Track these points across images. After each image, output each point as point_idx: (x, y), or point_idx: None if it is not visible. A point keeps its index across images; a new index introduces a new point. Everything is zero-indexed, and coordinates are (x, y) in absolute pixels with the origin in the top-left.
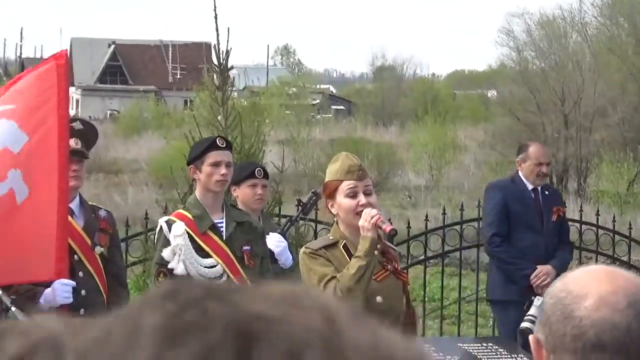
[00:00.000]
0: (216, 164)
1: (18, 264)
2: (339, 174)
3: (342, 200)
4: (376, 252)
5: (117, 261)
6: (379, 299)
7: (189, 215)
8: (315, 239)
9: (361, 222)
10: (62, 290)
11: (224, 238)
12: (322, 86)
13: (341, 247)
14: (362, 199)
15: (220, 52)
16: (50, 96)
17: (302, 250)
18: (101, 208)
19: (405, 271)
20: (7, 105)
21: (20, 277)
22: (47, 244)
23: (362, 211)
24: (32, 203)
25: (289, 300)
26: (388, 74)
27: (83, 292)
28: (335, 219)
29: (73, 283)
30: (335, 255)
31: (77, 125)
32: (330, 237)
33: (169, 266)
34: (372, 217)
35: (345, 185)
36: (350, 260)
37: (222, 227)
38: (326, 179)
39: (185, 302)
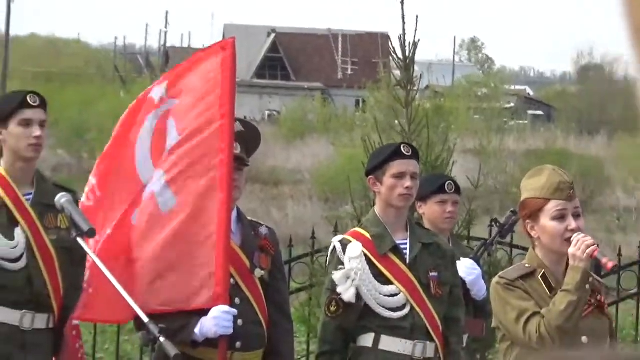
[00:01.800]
0: (400, 175)
1: (172, 287)
2: (544, 192)
3: (547, 223)
4: (587, 287)
5: (279, 287)
6: (584, 339)
7: (367, 235)
8: (511, 265)
9: (572, 250)
10: (223, 319)
11: (408, 262)
12: (517, 87)
13: (539, 277)
14: (571, 222)
15: (407, 43)
16: (211, 91)
17: (495, 280)
18: (262, 224)
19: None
20: (175, 100)
21: (175, 303)
22: (206, 264)
23: (570, 237)
24: (182, 213)
25: None
26: (595, 75)
27: (240, 322)
28: (532, 244)
29: (235, 311)
30: (532, 287)
31: (237, 126)
32: (527, 265)
33: (337, 290)
34: (587, 247)
35: (554, 206)
36: (549, 292)
37: (405, 249)
38: (525, 196)
39: None
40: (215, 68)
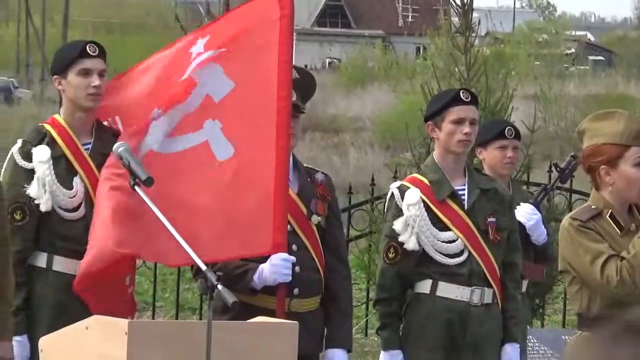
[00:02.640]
0: (459, 121)
1: (230, 234)
2: (625, 138)
3: (628, 170)
4: None
5: (336, 233)
6: None
7: (425, 181)
8: (570, 211)
9: None
10: (282, 266)
11: (466, 208)
12: (578, 33)
13: (607, 217)
14: None
15: None
16: (270, 38)
17: (566, 222)
18: (318, 171)
19: None
20: (220, 49)
21: (233, 251)
22: (264, 211)
23: None
24: (240, 162)
25: None
26: None
27: (297, 268)
28: (596, 187)
29: (293, 259)
30: (603, 227)
31: (293, 74)
32: (593, 207)
33: (400, 239)
34: None
35: (635, 153)
36: (619, 232)
37: (463, 195)
38: (601, 140)
39: None
40: (273, 17)
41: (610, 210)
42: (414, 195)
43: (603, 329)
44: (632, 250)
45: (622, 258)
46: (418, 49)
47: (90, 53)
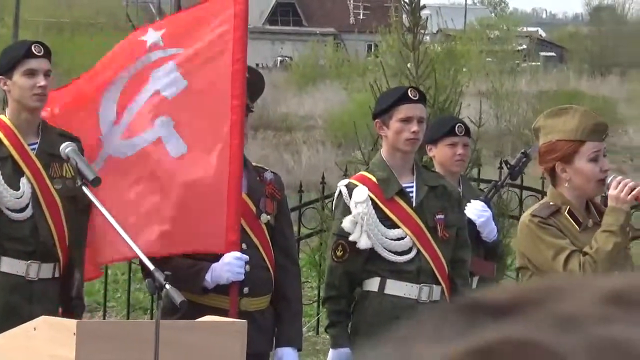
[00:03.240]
0: (407, 120)
1: (183, 231)
2: (579, 133)
3: (583, 165)
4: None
5: (285, 232)
6: None
7: (373, 179)
8: (521, 207)
9: (614, 192)
10: (235, 265)
11: (414, 205)
12: (530, 29)
13: (565, 213)
14: (604, 163)
15: None
16: (224, 37)
17: (526, 218)
18: (267, 170)
19: None
20: (178, 48)
21: (186, 246)
22: (217, 210)
23: (603, 178)
24: (194, 160)
25: None
26: (607, 15)
27: (247, 267)
28: (553, 183)
29: (246, 257)
30: (562, 224)
31: None
32: (551, 203)
33: (351, 238)
34: (631, 189)
35: (590, 148)
36: (578, 228)
37: (411, 192)
38: (555, 137)
39: None
40: (227, 15)
41: (568, 207)
42: (361, 193)
43: None
44: (594, 245)
45: (585, 253)
46: (369, 47)
47: (36, 53)
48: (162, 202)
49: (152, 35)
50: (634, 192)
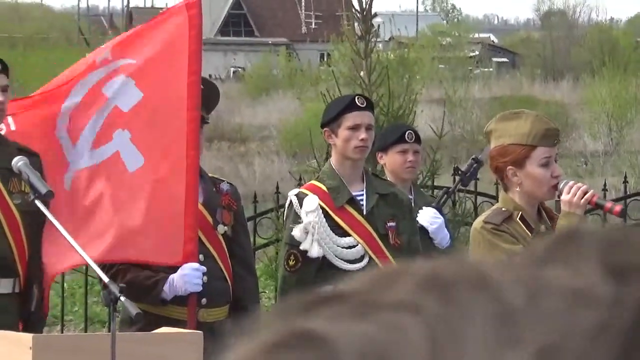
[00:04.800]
0: (355, 127)
1: (140, 241)
2: (531, 139)
3: (534, 170)
4: None
5: (242, 242)
6: None
7: (323, 187)
8: (476, 213)
9: (567, 197)
10: (193, 276)
11: (365, 213)
12: (482, 35)
13: (517, 218)
14: (555, 169)
15: None
16: (178, 49)
17: (478, 225)
18: (223, 181)
19: None
20: (128, 59)
21: (142, 256)
22: (174, 221)
23: (555, 184)
24: (150, 172)
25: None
26: (558, 20)
27: (204, 278)
28: (504, 188)
29: (204, 268)
30: (515, 229)
31: None
32: (503, 209)
33: (301, 247)
34: (584, 193)
35: (541, 153)
36: (530, 233)
37: (362, 200)
38: (507, 141)
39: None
40: (180, 26)
41: (520, 213)
42: (312, 202)
43: None
44: None
45: None
46: (322, 56)
47: None
48: (120, 213)
49: (101, 53)
50: (586, 196)
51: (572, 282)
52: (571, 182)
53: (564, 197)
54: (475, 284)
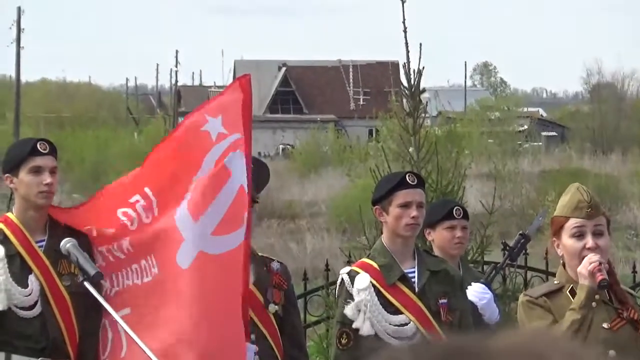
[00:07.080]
0: (406, 205)
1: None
2: (566, 210)
3: (566, 241)
4: (594, 304)
5: (293, 321)
6: (612, 353)
7: (375, 265)
8: (526, 288)
9: (580, 269)
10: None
11: (417, 290)
12: (530, 109)
13: (567, 292)
14: (589, 241)
15: (411, 71)
16: (233, 131)
17: (520, 298)
18: (274, 260)
19: None
20: (236, 135)
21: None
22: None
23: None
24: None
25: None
26: (607, 93)
27: (256, 358)
28: (562, 261)
29: (256, 347)
30: (558, 303)
31: None
32: (556, 282)
33: (354, 326)
34: (590, 263)
35: (572, 224)
36: None
37: (413, 277)
38: (555, 213)
39: None
40: (235, 108)
41: (571, 286)
42: (363, 280)
43: None
44: (563, 325)
45: None
46: (370, 132)
47: (41, 151)
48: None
49: (213, 124)
50: (589, 267)
51: None
52: (590, 255)
53: (578, 268)
54: None
